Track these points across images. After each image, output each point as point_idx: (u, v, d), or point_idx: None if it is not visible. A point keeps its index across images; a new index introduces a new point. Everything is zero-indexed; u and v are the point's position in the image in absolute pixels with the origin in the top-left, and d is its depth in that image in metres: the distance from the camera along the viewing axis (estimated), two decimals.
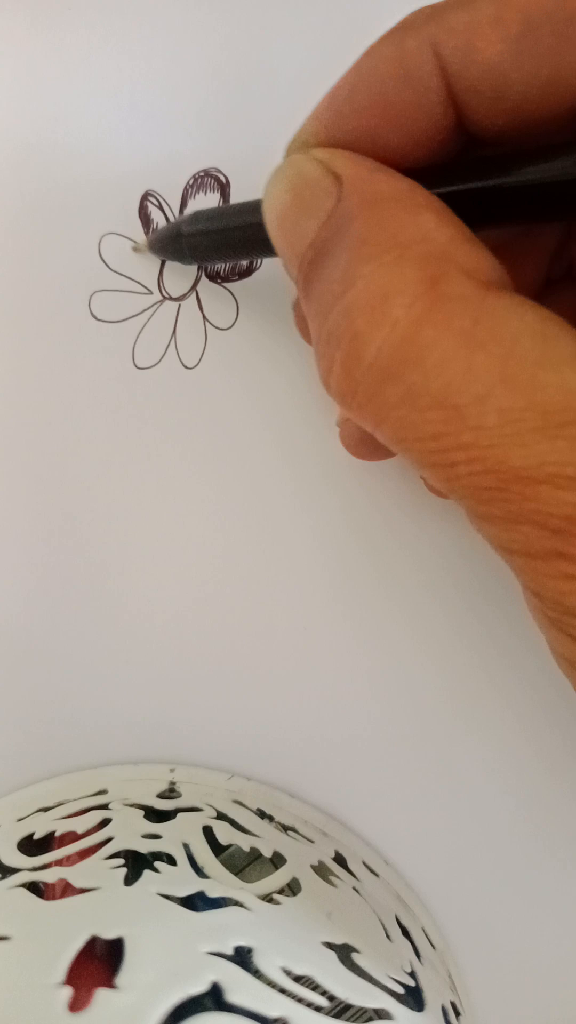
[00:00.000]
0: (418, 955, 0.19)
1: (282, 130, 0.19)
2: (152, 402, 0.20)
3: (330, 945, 0.16)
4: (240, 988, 0.13)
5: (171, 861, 0.17)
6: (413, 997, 0.16)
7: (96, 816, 0.19)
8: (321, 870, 0.19)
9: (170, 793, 0.21)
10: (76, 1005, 0.13)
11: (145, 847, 0.17)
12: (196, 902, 0.16)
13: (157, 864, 0.17)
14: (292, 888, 0.17)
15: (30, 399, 0.20)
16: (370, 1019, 0.15)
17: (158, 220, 0.20)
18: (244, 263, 0.20)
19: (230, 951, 0.14)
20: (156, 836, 0.18)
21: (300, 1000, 0.14)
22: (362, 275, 0.11)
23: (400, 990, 0.16)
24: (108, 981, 0.13)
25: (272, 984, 0.14)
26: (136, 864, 0.17)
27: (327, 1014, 0.14)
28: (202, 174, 0.19)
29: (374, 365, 0.11)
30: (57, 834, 0.19)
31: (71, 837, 0.18)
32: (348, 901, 0.18)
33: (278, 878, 0.17)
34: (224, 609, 0.21)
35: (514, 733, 0.21)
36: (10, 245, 0.20)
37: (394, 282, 0.11)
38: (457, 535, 0.20)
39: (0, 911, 0.16)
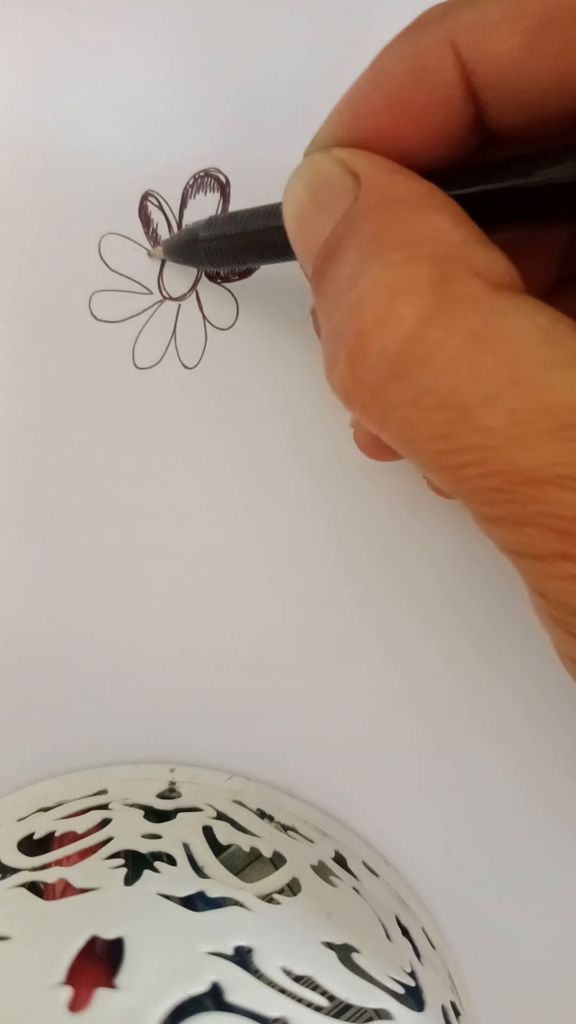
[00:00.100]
0: (418, 955, 0.19)
1: (282, 130, 0.19)
2: (152, 402, 0.20)
3: (330, 945, 0.16)
4: (240, 988, 0.13)
5: (171, 861, 0.17)
6: (413, 997, 0.16)
7: (96, 816, 0.19)
8: (321, 870, 0.19)
9: (170, 793, 0.21)
10: (76, 1005, 0.13)
11: (145, 847, 0.17)
12: (196, 902, 0.16)
13: (157, 864, 0.17)
14: (292, 888, 0.17)
15: (30, 399, 0.20)
16: (370, 1019, 0.15)
17: (158, 220, 0.20)
18: None
19: (230, 951, 0.14)
20: (156, 836, 0.18)
21: (300, 1000, 0.14)
22: (371, 273, 0.11)
23: (400, 990, 0.16)
24: (108, 981, 0.13)
25: (272, 984, 0.14)
26: (136, 864, 0.17)
27: (327, 1014, 0.14)
28: (202, 174, 0.19)
29: (380, 363, 0.11)
30: (57, 834, 0.19)
31: (71, 837, 0.18)
32: (348, 901, 0.18)
33: (278, 878, 0.17)
34: (224, 609, 0.21)
35: (516, 733, 0.21)
36: (10, 245, 0.20)
37: (403, 280, 0.10)
38: (458, 535, 0.20)
39: (0, 911, 0.16)
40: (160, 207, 0.19)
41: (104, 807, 0.20)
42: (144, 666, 0.22)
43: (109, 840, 0.18)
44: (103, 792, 0.21)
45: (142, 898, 0.15)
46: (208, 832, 0.19)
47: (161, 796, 0.21)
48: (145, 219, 0.19)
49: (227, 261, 0.17)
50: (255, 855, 0.19)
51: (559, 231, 0.15)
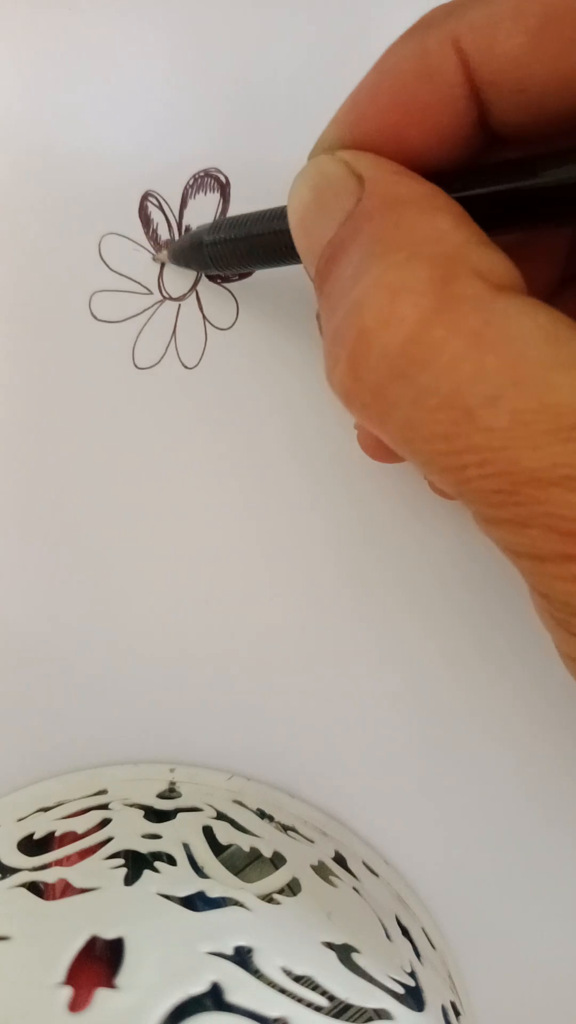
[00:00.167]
0: (418, 955, 0.19)
1: (282, 130, 0.19)
2: (152, 402, 0.20)
3: (330, 945, 0.16)
4: (240, 988, 0.13)
5: (171, 861, 0.17)
6: (413, 997, 0.16)
7: (96, 816, 0.19)
8: (321, 870, 0.19)
9: (170, 793, 0.21)
10: (76, 1005, 0.13)
11: (145, 847, 0.17)
12: (196, 902, 0.16)
13: (157, 864, 0.17)
14: (292, 888, 0.17)
15: (30, 399, 0.20)
16: (370, 1019, 0.15)
17: (158, 220, 0.20)
18: None
19: (230, 951, 0.14)
20: (156, 836, 0.18)
21: (300, 1000, 0.14)
22: (372, 273, 0.11)
23: (400, 990, 0.16)
24: (108, 981, 0.13)
25: (272, 984, 0.14)
26: (136, 864, 0.17)
27: (327, 1014, 0.14)
28: (202, 174, 0.19)
29: (380, 363, 0.11)
30: (57, 834, 0.19)
31: (71, 837, 0.18)
32: (348, 901, 0.18)
33: (278, 878, 0.17)
34: (224, 609, 0.21)
35: (516, 733, 0.21)
36: (10, 245, 0.20)
37: (404, 280, 0.10)
38: (458, 536, 0.20)
39: (0, 911, 0.16)
40: (160, 207, 0.19)
41: (104, 807, 0.20)
42: (144, 666, 0.22)
43: (109, 840, 0.18)
44: (103, 792, 0.21)
45: (142, 898, 0.15)
46: (208, 832, 0.19)
47: (161, 796, 0.21)
48: (145, 219, 0.19)
49: (232, 265, 0.17)
50: (255, 855, 0.19)
51: (563, 233, 0.15)
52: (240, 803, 0.21)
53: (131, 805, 0.20)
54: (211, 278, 0.20)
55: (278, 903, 0.17)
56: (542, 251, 0.15)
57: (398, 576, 0.21)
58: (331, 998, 0.14)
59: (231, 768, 0.22)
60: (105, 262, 0.20)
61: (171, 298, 0.20)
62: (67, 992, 0.13)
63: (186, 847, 0.18)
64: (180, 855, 0.17)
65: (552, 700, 0.21)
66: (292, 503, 0.21)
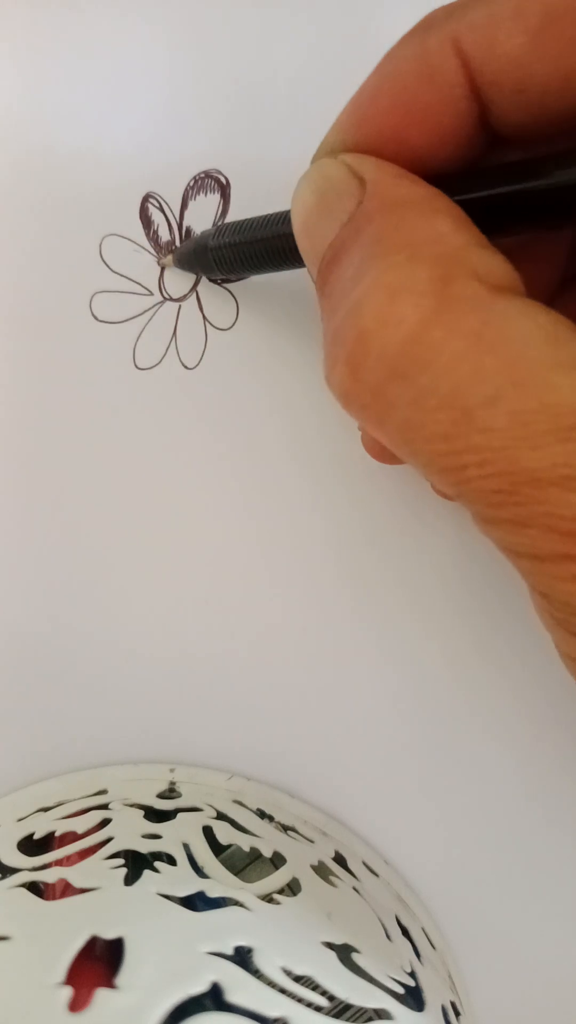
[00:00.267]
0: (418, 955, 0.19)
1: (283, 131, 0.19)
2: (153, 403, 0.20)
3: (330, 945, 0.16)
4: (240, 988, 0.13)
5: (171, 861, 0.17)
6: (413, 997, 0.16)
7: (96, 816, 0.19)
8: (321, 870, 0.19)
9: (170, 793, 0.21)
10: (76, 1005, 0.13)
11: (145, 847, 0.17)
12: (196, 902, 0.16)
13: (157, 864, 0.17)
14: (292, 888, 0.17)
15: (30, 400, 0.20)
16: (370, 1019, 0.15)
17: (159, 222, 0.20)
18: None
19: (230, 951, 0.14)
20: (156, 836, 0.18)
21: (300, 1000, 0.14)
22: (372, 274, 0.11)
23: (400, 990, 0.16)
24: (108, 981, 0.13)
25: (272, 984, 0.14)
26: (136, 864, 0.17)
27: (327, 1014, 0.14)
28: (203, 175, 0.19)
29: (380, 363, 0.11)
30: (57, 834, 0.19)
31: (71, 837, 0.18)
32: (348, 901, 0.18)
33: (278, 878, 0.17)
34: (224, 610, 0.21)
35: (516, 733, 0.21)
36: (11, 246, 0.20)
37: (404, 281, 0.11)
38: (459, 536, 0.20)
39: (0, 911, 0.16)
40: (161, 208, 0.19)
41: (104, 807, 0.20)
42: (144, 666, 0.22)
43: (109, 840, 0.18)
44: (103, 792, 0.21)
45: (142, 898, 0.15)
46: (208, 832, 0.19)
47: (161, 796, 0.21)
48: (146, 220, 0.19)
49: (237, 269, 0.17)
50: (255, 855, 0.19)
51: (563, 235, 0.15)
52: (240, 803, 0.21)
53: (131, 805, 0.20)
54: (211, 279, 0.20)
55: (278, 903, 0.17)
56: (542, 253, 0.15)
57: (398, 576, 0.21)
58: (331, 998, 0.14)
59: (231, 768, 0.22)
60: (106, 263, 0.20)
61: (171, 299, 0.20)
62: (67, 992, 0.13)
63: (186, 847, 0.18)
64: (180, 855, 0.17)
65: (552, 700, 0.21)
66: (292, 503, 0.21)
